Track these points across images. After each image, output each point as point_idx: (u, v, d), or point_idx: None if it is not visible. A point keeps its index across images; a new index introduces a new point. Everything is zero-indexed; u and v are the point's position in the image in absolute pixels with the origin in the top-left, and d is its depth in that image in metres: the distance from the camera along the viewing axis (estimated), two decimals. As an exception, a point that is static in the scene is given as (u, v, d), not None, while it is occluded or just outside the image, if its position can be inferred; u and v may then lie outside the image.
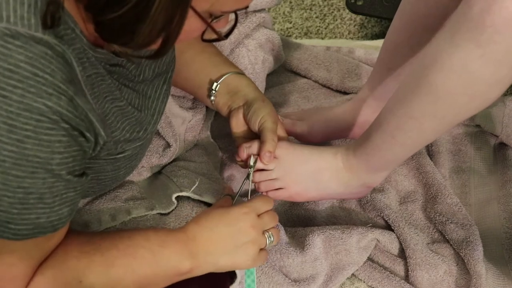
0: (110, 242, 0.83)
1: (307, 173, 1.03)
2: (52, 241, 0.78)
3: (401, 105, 0.88)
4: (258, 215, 0.91)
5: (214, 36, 0.76)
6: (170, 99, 1.14)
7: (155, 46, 0.72)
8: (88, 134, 0.73)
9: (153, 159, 1.09)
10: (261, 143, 1.00)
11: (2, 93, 0.64)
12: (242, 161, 1.03)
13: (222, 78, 1.05)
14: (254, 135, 1.03)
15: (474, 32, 0.74)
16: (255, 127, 1.01)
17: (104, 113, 0.79)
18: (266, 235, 0.91)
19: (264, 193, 1.03)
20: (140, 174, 1.09)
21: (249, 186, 1.01)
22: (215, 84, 1.06)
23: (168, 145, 1.11)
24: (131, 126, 0.85)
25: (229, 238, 0.88)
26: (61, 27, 0.69)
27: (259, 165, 1.00)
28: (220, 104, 1.07)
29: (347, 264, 1.06)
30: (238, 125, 1.04)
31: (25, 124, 0.65)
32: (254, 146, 1.01)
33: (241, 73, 1.08)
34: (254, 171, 1.01)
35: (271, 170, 1.02)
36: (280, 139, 1.03)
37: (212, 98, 1.06)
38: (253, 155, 1.00)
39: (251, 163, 1.00)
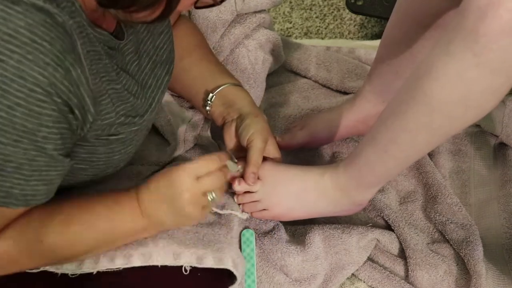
0: (71, 203, 0.84)
1: (291, 194, 1.02)
2: (18, 212, 0.78)
3: (395, 117, 0.87)
4: (198, 177, 0.88)
5: (208, 3, 0.77)
6: (170, 99, 1.14)
7: (155, 14, 0.72)
8: (76, 111, 0.73)
9: (152, 157, 1.09)
10: (246, 162, 1.00)
11: (0, 57, 0.64)
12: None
13: (218, 90, 1.06)
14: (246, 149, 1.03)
15: (469, 41, 0.73)
16: (244, 143, 1.01)
17: (100, 92, 0.78)
18: (208, 194, 0.88)
19: (249, 214, 1.03)
20: (139, 173, 1.09)
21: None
22: (210, 95, 1.06)
23: (168, 143, 1.11)
24: (126, 111, 0.85)
25: (168, 201, 0.86)
26: None
27: (244, 186, 1.01)
28: (215, 115, 1.07)
29: (347, 264, 1.06)
30: (231, 138, 1.04)
31: (18, 91, 0.65)
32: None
33: (238, 84, 1.07)
34: (239, 194, 1.02)
35: (255, 192, 1.02)
36: (270, 158, 1.03)
37: (208, 108, 1.06)
38: (236, 177, 1.01)
39: (236, 186, 1.01)
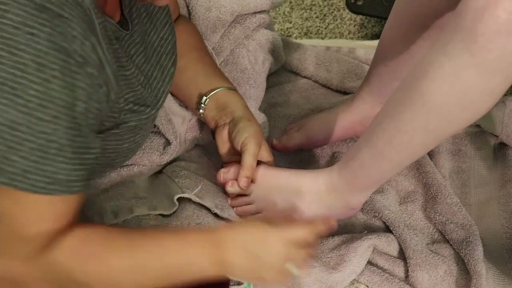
0: (138, 230, 0.83)
1: (284, 198, 1.01)
2: (70, 206, 0.74)
3: (391, 118, 0.86)
4: (292, 243, 0.83)
5: None
6: (170, 98, 1.14)
7: None
8: (104, 87, 0.73)
9: (153, 157, 1.09)
10: (241, 166, 0.99)
11: (31, 31, 0.64)
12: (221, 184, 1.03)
13: (212, 93, 1.06)
14: (239, 153, 1.02)
15: (467, 41, 0.73)
16: (238, 147, 1.01)
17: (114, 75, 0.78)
18: (290, 267, 0.84)
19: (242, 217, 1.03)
20: (141, 172, 1.10)
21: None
22: (204, 98, 1.06)
23: (168, 143, 1.11)
24: (135, 99, 0.85)
25: (254, 262, 0.82)
26: None
27: (237, 189, 1.00)
28: (208, 118, 1.07)
29: (346, 273, 1.05)
30: (223, 142, 1.04)
31: (53, 63, 0.65)
32: (231, 172, 1.02)
33: (232, 88, 1.07)
34: (232, 196, 1.02)
35: (247, 195, 1.01)
36: (262, 162, 1.03)
37: (201, 111, 1.07)
38: (229, 180, 1.01)
39: (228, 188, 1.00)
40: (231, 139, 1.03)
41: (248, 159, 0.99)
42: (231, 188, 1.00)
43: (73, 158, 0.70)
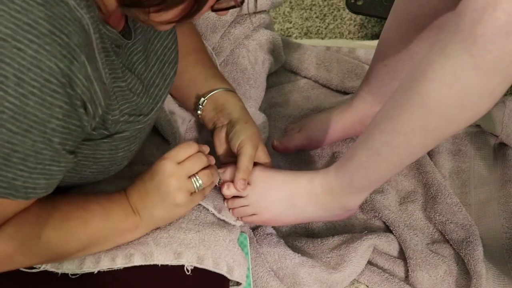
0: (68, 200, 0.86)
1: (280, 199, 1.01)
2: (16, 206, 0.78)
3: (389, 120, 0.86)
4: (179, 162, 0.90)
5: (229, 4, 0.78)
6: (170, 99, 1.14)
7: (178, 15, 0.73)
8: (89, 106, 0.73)
9: (153, 157, 1.09)
10: (237, 169, 0.99)
11: (18, 46, 0.64)
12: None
13: (210, 94, 1.06)
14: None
15: (467, 42, 0.73)
16: (234, 150, 1.01)
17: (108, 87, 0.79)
18: (192, 180, 0.90)
19: (239, 219, 1.02)
20: (140, 173, 1.09)
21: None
22: (202, 99, 1.06)
23: (167, 144, 1.11)
24: (131, 110, 0.85)
25: (154, 191, 0.89)
26: None
27: (233, 191, 1.00)
28: (206, 119, 1.07)
29: (347, 274, 1.05)
30: (220, 144, 1.04)
31: (33, 81, 0.66)
32: (227, 173, 1.01)
33: (231, 90, 1.07)
34: (229, 198, 1.02)
35: (244, 197, 1.01)
36: (259, 164, 1.02)
37: (199, 112, 1.07)
38: (226, 182, 1.00)
39: (224, 190, 1.00)
40: (227, 141, 1.03)
41: (244, 162, 0.99)
42: (227, 190, 1.00)
43: (34, 168, 0.71)
